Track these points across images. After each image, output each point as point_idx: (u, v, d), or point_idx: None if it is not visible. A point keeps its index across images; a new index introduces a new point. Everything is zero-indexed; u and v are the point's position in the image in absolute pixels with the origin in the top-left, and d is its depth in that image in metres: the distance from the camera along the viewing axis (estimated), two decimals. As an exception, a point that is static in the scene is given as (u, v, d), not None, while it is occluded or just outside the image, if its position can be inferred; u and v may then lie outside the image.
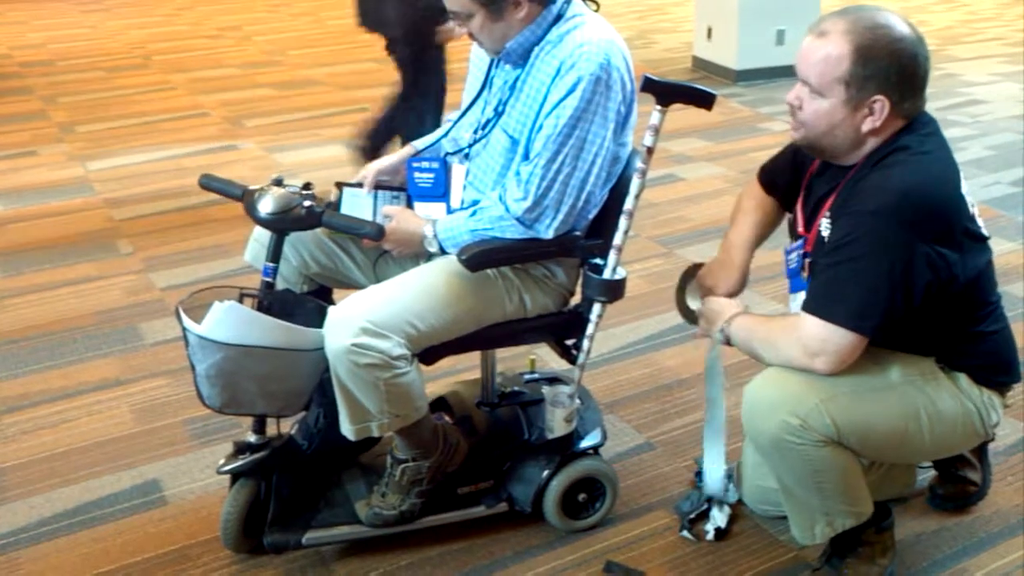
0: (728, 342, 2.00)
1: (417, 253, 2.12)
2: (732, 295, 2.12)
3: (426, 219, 2.10)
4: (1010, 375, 1.98)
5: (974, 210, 1.89)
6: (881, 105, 1.79)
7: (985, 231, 1.91)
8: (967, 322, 1.91)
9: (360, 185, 2.26)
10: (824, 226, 1.89)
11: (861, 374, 1.85)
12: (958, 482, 2.32)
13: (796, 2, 6.58)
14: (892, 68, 1.77)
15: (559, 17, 2.04)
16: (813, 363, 1.81)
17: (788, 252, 2.05)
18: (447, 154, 2.23)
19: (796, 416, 1.80)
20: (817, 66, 1.80)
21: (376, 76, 7.20)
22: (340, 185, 2.24)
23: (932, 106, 6.45)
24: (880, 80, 1.78)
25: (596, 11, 2.10)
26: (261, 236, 2.17)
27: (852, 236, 1.78)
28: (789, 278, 2.04)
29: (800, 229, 2.02)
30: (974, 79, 6.85)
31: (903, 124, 1.85)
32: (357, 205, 2.22)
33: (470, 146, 2.17)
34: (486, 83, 2.18)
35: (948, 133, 6.12)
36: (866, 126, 1.82)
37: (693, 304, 2.17)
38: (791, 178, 2.13)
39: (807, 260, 1.96)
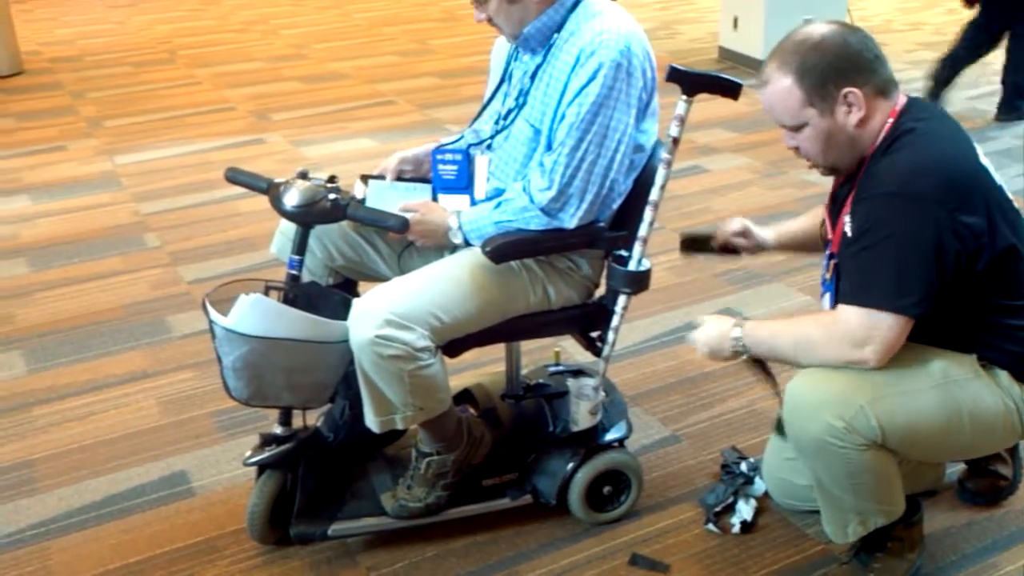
0: (742, 354, 1.93)
1: (442, 245, 2.12)
2: (745, 245, 2.25)
3: (451, 211, 2.10)
4: None
5: (1001, 182, 1.88)
6: (853, 96, 1.82)
7: (1015, 202, 1.89)
8: (1004, 312, 1.88)
9: (384, 177, 2.26)
10: (847, 223, 1.88)
11: (905, 374, 1.82)
12: (988, 476, 2.30)
13: (823, -9, 6.53)
14: (833, 63, 1.81)
15: (577, 3, 2.03)
16: (863, 355, 1.78)
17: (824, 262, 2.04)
18: (470, 145, 2.23)
19: (841, 419, 1.78)
20: (780, 107, 1.87)
21: (401, 69, 7.22)
22: (364, 178, 2.24)
23: (962, 95, 6.36)
24: (832, 78, 1.82)
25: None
26: (287, 229, 2.18)
27: (872, 220, 1.78)
28: (822, 285, 2.03)
29: (828, 236, 2.01)
30: (1004, 68, 6.75)
31: (892, 106, 1.86)
32: (382, 197, 2.22)
33: (492, 137, 2.17)
34: (505, 74, 2.18)
35: (977, 123, 6.00)
36: (853, 119, 1.84)
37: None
38: None
39: (832, 261, 1.94)
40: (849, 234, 1.86)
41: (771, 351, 1.92)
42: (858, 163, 1.90)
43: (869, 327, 1.77)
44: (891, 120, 1.86)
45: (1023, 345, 1.90)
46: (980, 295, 1.84)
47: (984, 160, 1.87)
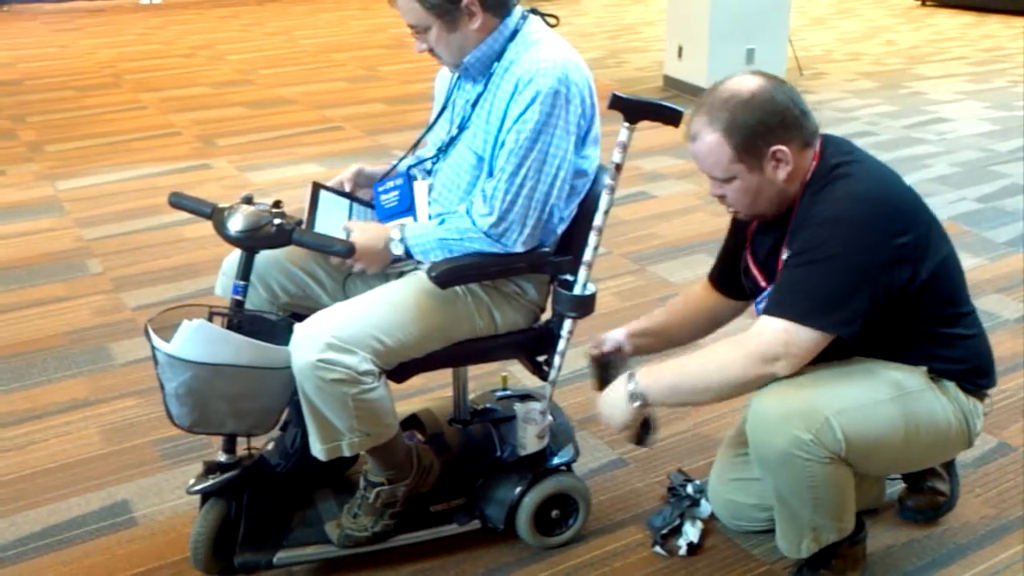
0: (642, 402, 1.96)
1: (386, 267, 2.12)
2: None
3: (394, 225, 2.10)
4: (989, 378, 2.02)
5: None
6: (782, 153, 1.87)
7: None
8: (947, 322, 1.94)
9: (335, 190, 2.25)
10: (785, 257, 1.92)
11: (864, 387, 1.87)
12: (927, 493, 2.35)
13: (766, 22, 6.68)
14: (763, 120, 1.85)
15: (516, 33, 2.06)
16: (772, 369, 1.83)
17: (757, 303, 2.07)
18: (410, 167, 2.24)
19: (808, 431, 1.81)
20: (709, 161, 1.91)
21: (349, 95, 7.22)
22: (317, 186, 2.23)
23: (899, 124, 6.53)
24: (762, 136, 1.86)
25: (555, 26, 2.13)
26: (229, 270, 2.15)
27: (809, 244, 1.84)
28: None
29: (763, 284, 2.05)
30: (939, 97, 6.96)
31: (817, 151, 1.92)
32: (332, 209, 2.21)
33: (434, 162, 2.19)
34: (447, 103, 2.20)
35: (914, 151, 6.19)
36: (782, 174, 1.89)
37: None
38: (736, 259, 2.18)
39: None
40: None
41: (675, 392, 1.95)
42: (786, 208, 1.95)
43: (785, 342, 1.81)
44: (814, 163, 1.91)
45: (966, 354, 1.97)
46: (925, 307, 1.90)
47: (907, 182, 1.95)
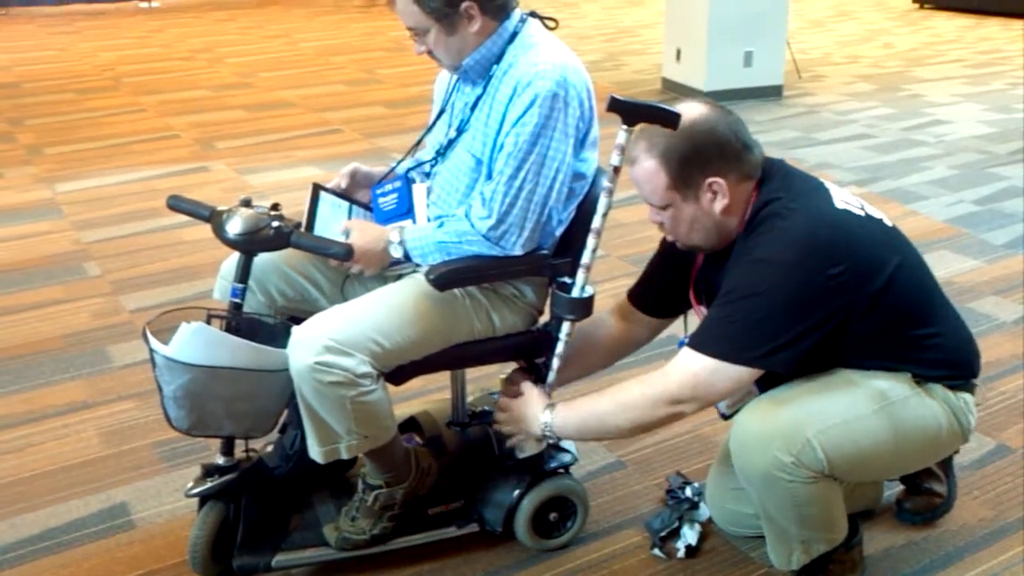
0: (549, 438, 2.03)
1: (384, 266, 2.12)
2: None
3: (392, 227, 2.10)
4: (973, 367, 2.01)
5: (862, 212, 1.93)
6: (717, 185, 1.86)
7: (888, 222, 1.97)
8: (918, 325, 1.92)
9: (335, 192, 2.25)
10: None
11: (847, 402, 1.86)
12: (924, 495, 2.35)
13: (764, 25, 6.69)
14: (700, 151, 1.85)
15: (515, 35, 2.06)
16: (678, 408, 1.85)
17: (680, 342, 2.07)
18: (409, 169, 2.24)
19: (789, 453, 1.81)
20: (647, 187, 1.91)
21: (348, 98, 7.23)
22: (317, 188, 2.22)
23: (897, 126, 6.54)
24: (698, 166, 1.86)
25: (554, 29, 2.13)
26: (227, 273, 2.16)
27: (739, 282, 1.84)
28: None
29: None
30: (937, 100, 6.97)
31: (755, 183, 1.91)
32: (332, 211, 2.21)
33: (432, 165, 2.19)
34: (446, 105, 2.20)
35: (912, 153, 6.19)
36: (718, 207, 1.89)
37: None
38: (667, 279, 2.19)
39: None
40: None
41: (586, 427, 1.99)
42: (725, 243, 1.94)
43: (694, 385, 1.83)
44: (753, 195, 1.90)
45: (945, 352, 1.96)
46: (890, 314, 1.88)
47: (841, 203, 1.91)
